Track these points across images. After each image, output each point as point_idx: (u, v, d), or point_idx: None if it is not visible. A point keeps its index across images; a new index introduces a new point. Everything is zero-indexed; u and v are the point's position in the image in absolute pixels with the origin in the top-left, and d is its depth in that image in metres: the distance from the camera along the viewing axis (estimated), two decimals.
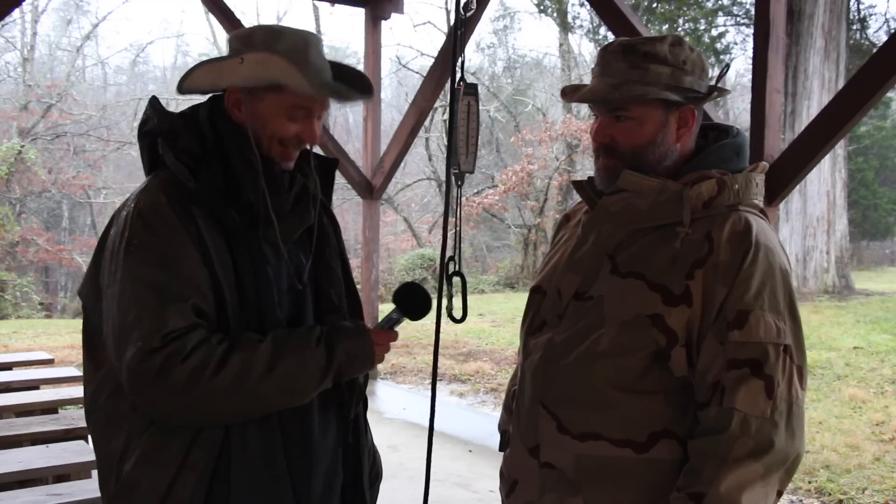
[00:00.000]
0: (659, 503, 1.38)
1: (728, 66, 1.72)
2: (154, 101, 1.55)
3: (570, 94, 1.54)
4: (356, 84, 1.58)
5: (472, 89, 1.72)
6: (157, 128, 1.51)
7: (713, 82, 1.52)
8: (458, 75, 1.69)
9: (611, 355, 1.41)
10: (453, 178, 1.90)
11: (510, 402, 1.74)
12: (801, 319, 1.42)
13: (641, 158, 1.47)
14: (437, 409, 1.84)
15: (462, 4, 1.71)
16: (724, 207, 1.42)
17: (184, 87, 1.52)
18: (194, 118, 1.52)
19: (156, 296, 1.36)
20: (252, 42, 1.49)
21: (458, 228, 1.76)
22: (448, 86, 3.41)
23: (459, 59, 1.70)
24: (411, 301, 1.60)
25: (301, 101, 1.50)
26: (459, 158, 1.75)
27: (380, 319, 1.63)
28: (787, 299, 1.38)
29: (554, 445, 1.47)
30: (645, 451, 1.40)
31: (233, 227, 1.46)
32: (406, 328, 10.81)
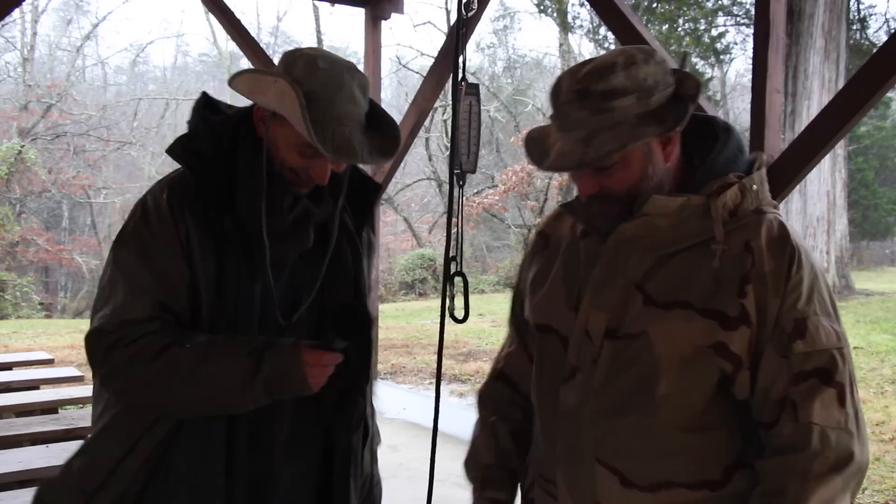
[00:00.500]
0: None
1: (686, 54, 1.62)
2: (201, 98, 1.57)
3: (539, 159, 1.35)
4: (386, 133, 1.53)
5: (473, 89, 1.72)
6: (189, 123, 1.55)
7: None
8: (460, 75, 1.69)
9: (674, 397, 1.29)
10: (455, 178, 1.90)
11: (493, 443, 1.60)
12: None
13: (639, 195, 1.32)
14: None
15: (463, 4, 1.71)
16: (751, 213, 1.32)
17: (230, 85, 1.52)
18: (220, 127, 1.52)
19: (126, 283, 1.44)
20: (291, 68, 1.46)
21: (459, 228, 1.75)
22: (448, 85, 3.42)
23: (461, 59, 1.68)
24: (343, 323, 1.54)
25: (310, 143, 1.44)
26: (461, 158, 1.75)
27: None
28: (832, 300, 1.31)
29: (620, 502, 1.34)
30: (723, 487, 1.31)
31: (223, 239, 1.46)
32: (406, 328, 10.82)
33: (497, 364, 1.66)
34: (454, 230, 1.86)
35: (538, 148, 1.36)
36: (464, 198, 1.79)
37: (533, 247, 1.59)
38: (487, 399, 1.65)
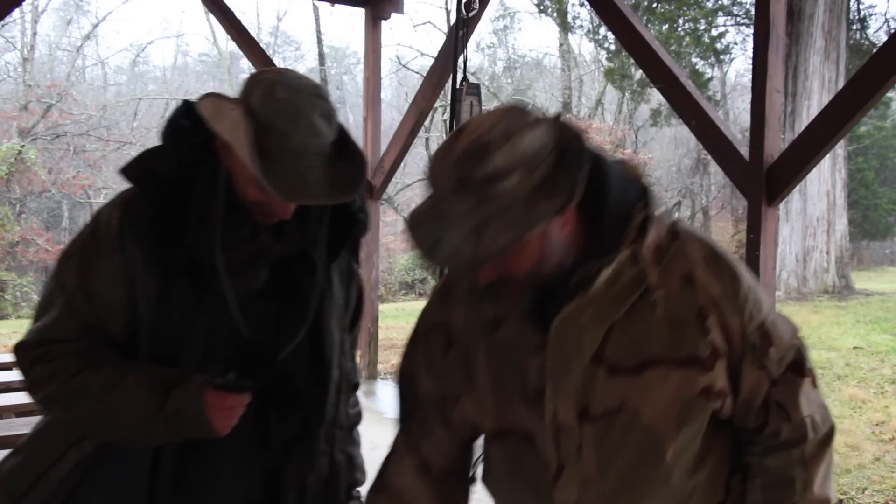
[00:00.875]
0: None
1: (560, 114, 1.28)
2: (185, 104, 1.45)
3: (430, 252, 1.14)
4: (352, 164, 1.43)
5: (474, 89, 1.72)
6: (161, 134, 1.45)
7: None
8: (461, 76, 1.68)
9: (680, 454, 1.25)
10: None
11: None
12: (791, 313, 1.40)
13: (541, 276, 1.19)
14: None
15: (464, 4, 1.70)
16: (670, 240, 1.24)
17: (197, 107, 1.40)
18: (185, 145, 1.41)
19: (61, 300, 1.41)
20: (249, 96, 1.36)
21: None
22: (449, 85, 3.42)
23: (461, 59, 1.67)
24: (246, 361, 1.43)
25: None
26: None
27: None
28: (756, 285, 1.31)
29: None
30: (726, 501, 1.33)
31: (171, 268, 1.38)
32: (406, 328, 10.80)
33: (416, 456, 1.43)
34: None
35: (424, 237, 1.15)
36: None
37: (432, 346, 1.38)
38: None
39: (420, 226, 1.16)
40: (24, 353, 1.43)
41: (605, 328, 1.21)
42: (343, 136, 1.45)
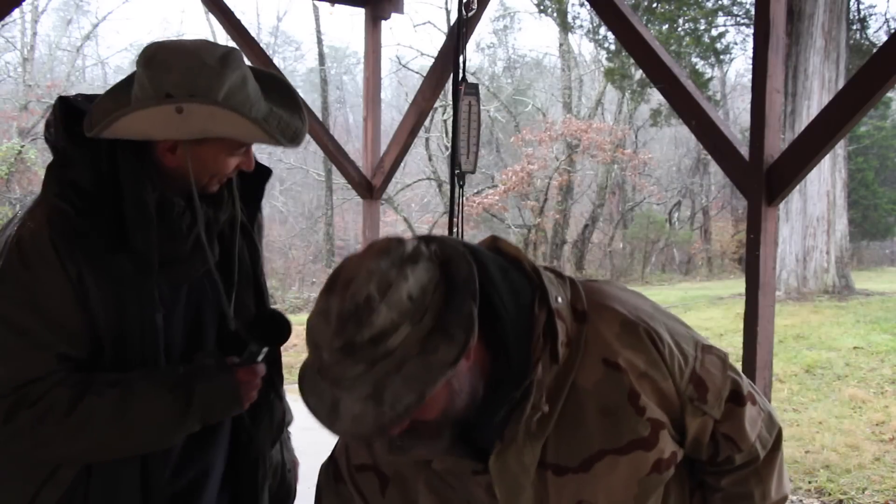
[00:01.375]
0: None
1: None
2: (58, 106, 1.38)
3: (329, 420, 1.03)
4: (282, 92, 1.46)
5: (473, 89, 1.72)
6: (55, 143, 1.38)
7: None
8: (461, 75, 1.69)
9: None
10: (455, 179, 1.91)
11: None
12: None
13: (455, 416, 1.10)
14: None
15: (464, 4, 1.71)
16: (577, 327, 1.16)
17: (106, 135, 1.31)
18: (92, 147, 1.34)
19: (18, 340, 1.29)
20: (188, 85, 1.30)
21: (459, 228, 1.75)
22: (449, 85, 3.42)
23: (461, 59, 1.67)
24: (268, 329, 1.46)
25: (245, 143, 1.42)
26: (461, 159, 1.75)
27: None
28: (672, 323, 1.25)
29: None
30: None
31: (120, 274, 1.35)
32: None
33: None
34: (454, 230, 1.86)
35: (320, 404, 1.05)
36: (464, 198, 1.78)
37: (365, 488, 1.28)
38: None
39: (312, 392, 1.05)
40: None
41: (541, 442, 1.15)
42: (255, 71, 1.44)
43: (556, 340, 1.12)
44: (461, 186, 1.78)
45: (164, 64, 1.31)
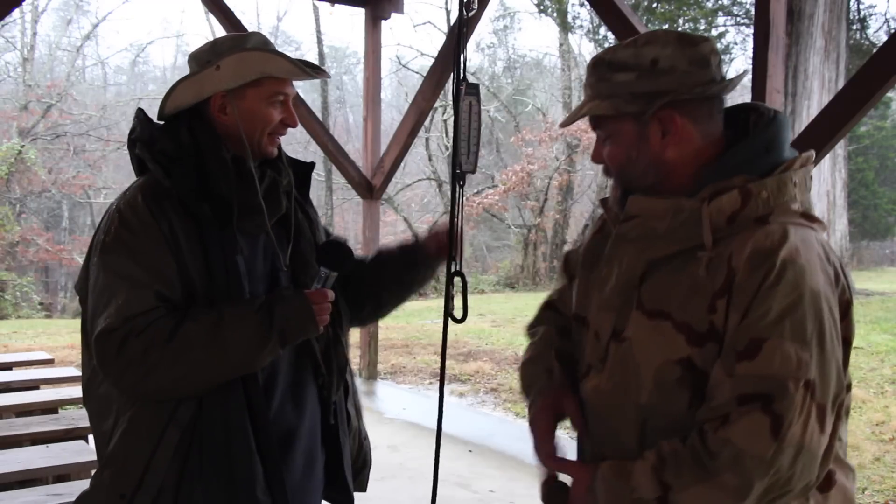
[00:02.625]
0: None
1: (745, 73, 1.48)
2: (140, 112, 1.69)
3: (567, 120, 1.45)
4: (310, 65, 1.71)
5: (473, 89, 1.72)
6: (140, 136, 1.65)
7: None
8: (462, 75, 1.69)
9: (656, 407, 1.28)
10: (455, 179, 1.90)
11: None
12: (835, 349, 1.21)
13: (626, 177, 1.35)
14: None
15: (465, 3, 1.71)
16: (752, 221, 1.23)
17: (167, 108, 1.66)
18: (174, 127, 1.64)
19: (122, 283, 1.51)
20: (220, 50, 1.63)
21: (458, 228, 1.76)
22: (449, 85, 3.42)
23: (462, 58, 1.68)
24: (334, 256, 1.65)
25: (279, 88, 1.64)
26: (461, 159, 1.75)
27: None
28: (818, 326, 1.18)
29: None
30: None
31: (205, 220, 1.57)
32: (407, 328, 10.83)
33: (549, 297, 1.68)
34: (456, 230, 1.86)
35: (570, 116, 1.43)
36: (464, 198, 1.79)
37: (597, 220, 1.53)
38: (538, 321, 1.66)
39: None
40: (107, 339, 1.48)
41: (646, 262, 1.30)
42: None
43: (715, 203, 1.24)
44: (461, 186, 1.77)
45: (203, 46, 1.69)
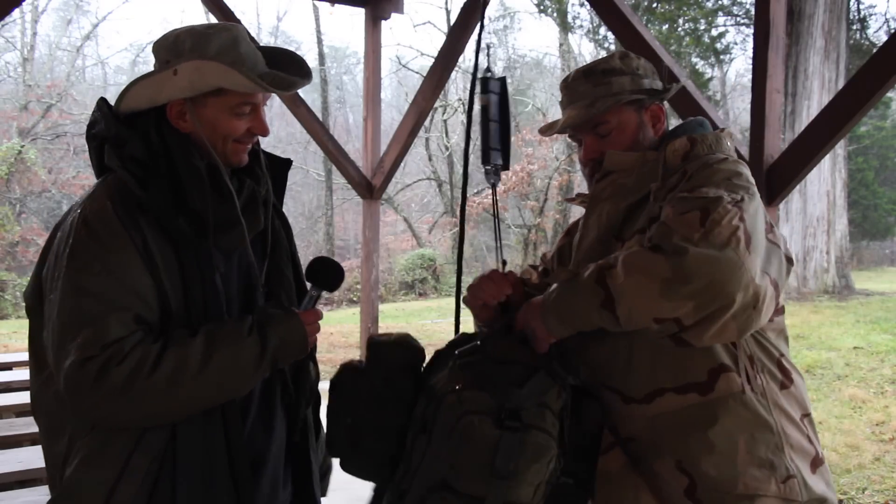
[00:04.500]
0: (739, 437, 1.41)
1: (667, 68, 1.82)
2: (102, 104, 1.53)
3: (549, 129, 1.74)
4: (292, 67, 1.57)
5: (489, 85, 1.81)
6: (104, 132, 1.49)
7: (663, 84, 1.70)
8: (482, 67, 1.82)
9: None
10: (487, 174, 1.91)
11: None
12: (762, 214, 1.42)
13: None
14: None
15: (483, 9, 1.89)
16: (703, 155, 1.54)
17: (121, 108, 1.50)
18: (141, 125, 1.49)
19: (97, 305, 1.36)
20: (180, 50, 1.47)
21: (498, 232, 1.85)
22: (449, 85, 3.42)
23: (478, 58, 1.86)
24: (325, 274, 1.59)
25: (244, 98, 1.50)
26: (490, 154, 1.83)
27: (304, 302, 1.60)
28: (748, 191, 1.42)
29: (624, 417, 1.50)
30: (710, 390, 1.43)
31: (180, 236, 1.44)
32: (406, 328, 10.82)
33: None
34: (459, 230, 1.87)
35: (549, 126, 1.75)
36: (465, 200, 1.82)
37: (566, 227, 1.87)
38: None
39: (549, 123, 1.77)
40: (81, 368, 1.33)
41: (622, 210, 1.56)
42: (267, 48, 1.59)
43: (670, 146, 1.57)
44: (493, 185, 1.78)
45: (165, 38, 1.51)
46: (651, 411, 1.46)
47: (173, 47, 1.48)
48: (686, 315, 1.29)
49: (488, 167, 1.69)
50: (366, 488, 1.62)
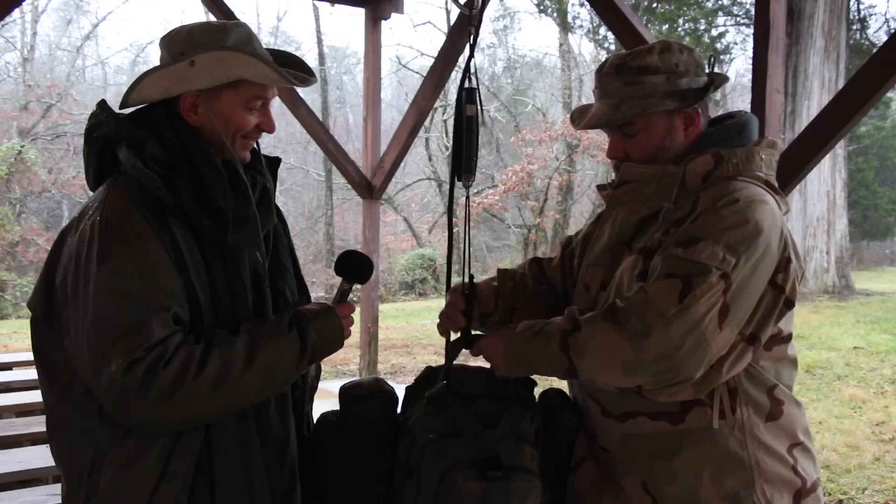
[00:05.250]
0: (703, 470, 1.43)
1: (712, 56, 1.67)
2: (104, 105, 1.52)
3: (578, 119, 1.63)
4: (295, 66, 1.58)
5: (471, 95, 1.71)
6: (112, 133, 1.47)
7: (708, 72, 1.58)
8: (466, 81, 1.69)
9: None
10: (459, 181, 1.91)
11: None
12: (760, 277, 1.39)
13: (656, 163, 1.54)
14: None
15: (466, 2, 1.75)
16: (723, 179, 1.46)
17: (132, 99, 1.48)
18: (152, 124, 1.47)
19: (137, 306, 1.33)
20: (196, 42, 1.46)
21: (467, 234, 1.82)
22: (449, 85, 3.41)
23: (469, 62, 1.71)
24: (354, 267, 1.62)
25: (258, 92, 1.50)
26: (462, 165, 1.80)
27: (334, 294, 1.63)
28: (749, 247, 1.36)
29: (602, 428, 1.56)
30: (680, 420, 1.44)
31: (205, 233, 1.44)
32: (407, 328, 10.82)
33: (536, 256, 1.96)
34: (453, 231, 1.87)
35: (580, 112, 1.63)
36: (463, 198, 1.82)
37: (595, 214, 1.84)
38: (518, 267, 1.90)
39: (582, 107, 1.64)
40: (128, 373, 1.29)
41: (636, 220, 1.54)
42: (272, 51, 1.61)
43: (692, 165, 1.48)
44: (467, 198, 1.79)
45: (177, 32, 1.51)
46: (624, 429, 1.50)
47: (189, 39, 1.47)
48: (646, 385, 1.38)
49: (470, 178, 1.71)
50: None
